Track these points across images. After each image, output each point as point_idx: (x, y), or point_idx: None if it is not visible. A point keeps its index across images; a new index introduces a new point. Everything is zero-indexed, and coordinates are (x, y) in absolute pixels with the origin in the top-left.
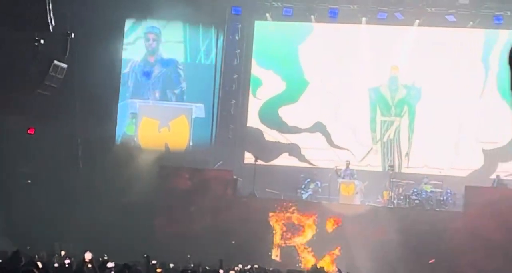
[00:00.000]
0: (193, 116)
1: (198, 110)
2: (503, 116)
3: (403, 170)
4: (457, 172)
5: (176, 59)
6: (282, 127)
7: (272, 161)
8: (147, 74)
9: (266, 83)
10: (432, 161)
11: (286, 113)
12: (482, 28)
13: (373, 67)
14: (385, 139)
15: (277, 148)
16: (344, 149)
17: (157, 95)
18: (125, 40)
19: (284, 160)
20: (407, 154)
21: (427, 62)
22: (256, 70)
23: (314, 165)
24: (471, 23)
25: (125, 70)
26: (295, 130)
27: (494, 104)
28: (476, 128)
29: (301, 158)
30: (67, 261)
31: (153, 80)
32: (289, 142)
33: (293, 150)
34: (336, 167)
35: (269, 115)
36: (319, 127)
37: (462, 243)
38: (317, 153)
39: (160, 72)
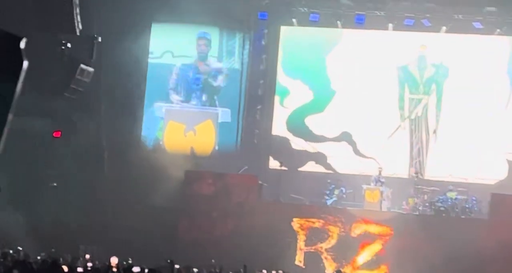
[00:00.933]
0: (219, 121)
1: (225, 114)
2: None
3: (427, 177)
4: (482, 182)
5: (221, 66)
6: (309, 136)
7: (299, 168)
8: (196, 80)
9: (293, 93)
10: (456, 170)
11: (313, 122)
12: (509, 36)
13: (402, 45)
14: (413, 117)
15: (304, 157)
16: (370, 158)
17: (204, 99)
18: (159, 44)
19: (310, 168)
20: (434, 132)
21: (453, 65)
22: (283, 79)
23: (340, 173)
24: (498, 30)
25: (171, 75)
26: (321, 139)
27: None
28: (501, 138)
29: (327, 166)
30: (89, 264)
31: (200, 85)
32: (316, 151)
33: (320, 158)
34: (379, 169)
35: (296, 124)
36: (345, 136)
37: (489, 252)
38: (343, 162)
39: (208, 78)
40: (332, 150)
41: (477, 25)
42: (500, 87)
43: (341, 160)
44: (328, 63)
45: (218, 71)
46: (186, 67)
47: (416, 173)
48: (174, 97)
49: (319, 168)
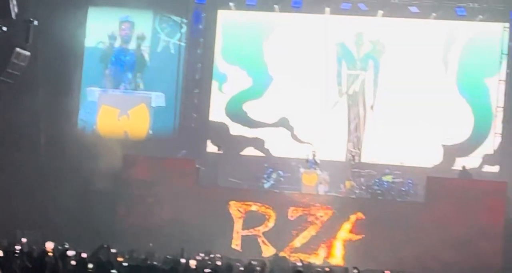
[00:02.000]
0: (153, 105)
1: (158, 98)
2: (462, 113)
3: (364, 159)
4: (417, 165)
5: (144, 48)
6: (247, 122)
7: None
8: (121, 62)
9: (231, 79)
10: (392, 152)
11: (251, 108)
12: (445, 20)
13: (339, 25)
14: (350, 92)
15: (242, 142)
16: (307, 143)
17: (128, 82)
18: (95, 28)
19: (248, 153)
20: (372, 107)
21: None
22: (222, 65)
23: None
24: (434, 14)
25: (105, 59)
26: (259, 125)
27: (453, 101)
28: (435, 125)
29: (266, 152)
30: (18, 248)
31: (125, 68)
32: (254, 137)
33: (258, 144)
34: (307, 155)
35: (235, 110)
36: (283, 122)
37: (426, 235)
38: (281, 147)
39: (131, 60)
40: (270, 135)
41: (413, 9)
42: (435, 72)
43: (279, 145)
44: (265, 49)
45: (148, 54)
46: (119, 51)
47: (353, 156)
48: (108, 80)
49: (257, 153)
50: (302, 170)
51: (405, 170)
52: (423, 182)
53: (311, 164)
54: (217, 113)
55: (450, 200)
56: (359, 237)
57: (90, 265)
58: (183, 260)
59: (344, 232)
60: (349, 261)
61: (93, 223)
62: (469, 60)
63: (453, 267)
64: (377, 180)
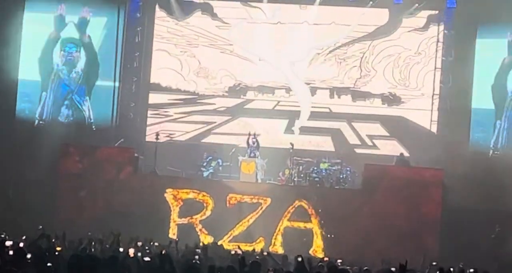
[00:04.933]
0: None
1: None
2: None
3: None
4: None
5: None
6: None
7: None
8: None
9: None
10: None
11: None
12: (381, 8)
13: None
14: None
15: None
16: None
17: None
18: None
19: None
20: None
21: None
22: None
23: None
24: (371, 3)
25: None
26: None
27: None
28: None
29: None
30: None
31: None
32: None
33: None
34: (249, 133)
35: None
36: None
37: (365, 223)
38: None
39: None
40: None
41: None
42: None
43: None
44: None
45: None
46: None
47: (292, 144)
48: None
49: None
50: (240, 158)
51: (343, 157)
52: (361, 170)
53: (252, 149)
54: None
55: (388, 187)
56: (298, 225)
57: (29, 255)
58: (121, 249)
59: (283, 220)
60: (289, 249)
61: (33, 214)
62: None
63: (392, 260)
64: (315, 168)
